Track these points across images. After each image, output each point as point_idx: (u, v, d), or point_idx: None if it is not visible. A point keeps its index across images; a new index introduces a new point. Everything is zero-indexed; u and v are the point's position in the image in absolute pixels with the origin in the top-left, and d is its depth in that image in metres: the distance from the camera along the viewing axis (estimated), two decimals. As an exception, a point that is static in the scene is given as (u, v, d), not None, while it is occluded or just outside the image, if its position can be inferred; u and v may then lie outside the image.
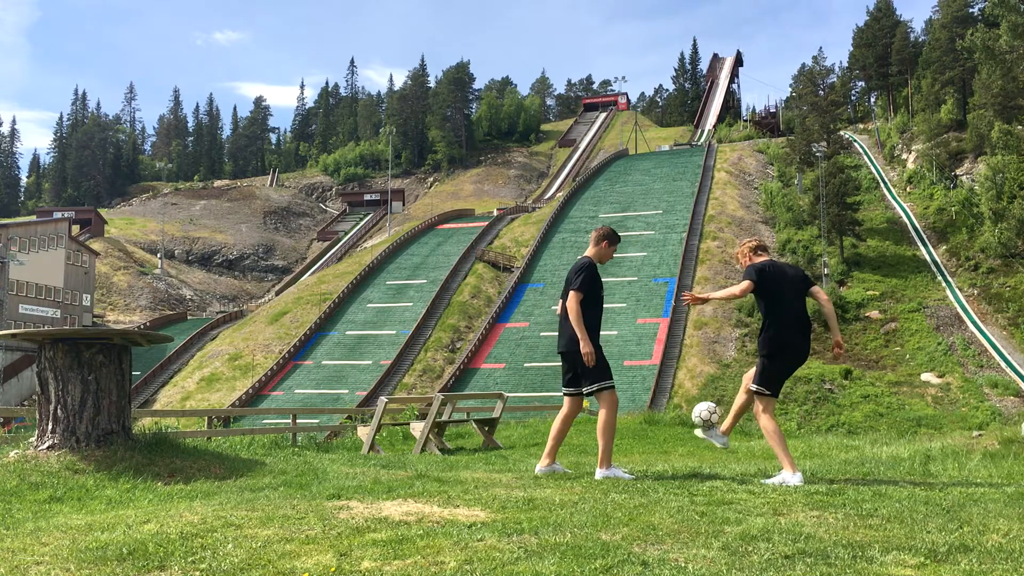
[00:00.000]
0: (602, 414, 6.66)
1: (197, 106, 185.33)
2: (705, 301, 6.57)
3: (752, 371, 6.61)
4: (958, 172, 74.27)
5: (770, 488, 5.70)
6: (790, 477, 6.15)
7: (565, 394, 6.85)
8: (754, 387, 6.47)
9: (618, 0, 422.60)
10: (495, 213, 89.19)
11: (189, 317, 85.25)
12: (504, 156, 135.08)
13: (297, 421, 16.86)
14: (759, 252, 6.78)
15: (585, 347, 6.48)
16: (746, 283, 6.45)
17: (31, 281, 73.72)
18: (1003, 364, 48.58)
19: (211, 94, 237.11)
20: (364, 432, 12.77)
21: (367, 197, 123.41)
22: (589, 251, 6.88)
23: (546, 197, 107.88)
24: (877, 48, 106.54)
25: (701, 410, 6.95)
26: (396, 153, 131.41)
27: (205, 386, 58.00)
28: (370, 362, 56.72)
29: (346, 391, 52.43)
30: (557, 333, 6.95)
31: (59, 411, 6.44)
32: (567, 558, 3.55)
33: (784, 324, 6.44)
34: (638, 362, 51.11)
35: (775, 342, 6.41)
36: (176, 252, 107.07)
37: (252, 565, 3.52)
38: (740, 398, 6.69)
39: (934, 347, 51.51)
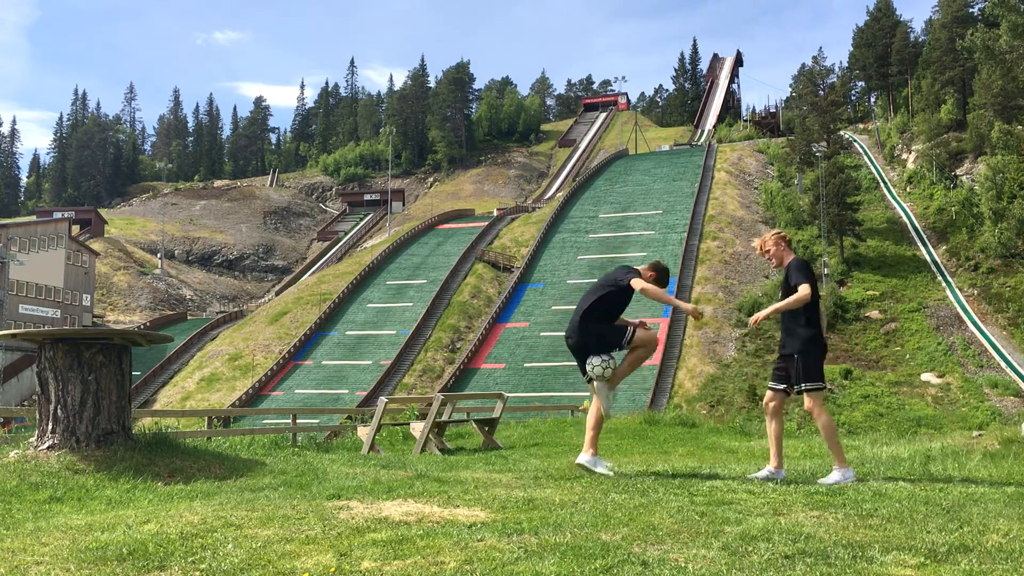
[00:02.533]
0: (596, 405, 6.58)
1: (197, 106, 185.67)
2: (768, 317, 6.53)
3: (778, 390, 6.52)
4: (958, 172, 74.25)
5: (770, 488, 5.70)
6: (846, 473, 6.28)
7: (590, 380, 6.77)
8: (808, 385, 6.38)
9: (618, 0, 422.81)
10: (495, 213, 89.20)
11: (189, 317, 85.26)
12: (504, 156, 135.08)
13: (297, 421, 16.85)
14: (790, 247, 6.75)
15: (688, 306, 6.64)
16: (807, 287, 6.33)
17: (31, 281, 73.73)
18: (1003, 364, 48.57)
19: (211, 94, 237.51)
20: (364, 432, 12.77)
21: (367, 197, 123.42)
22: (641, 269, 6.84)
23: (546, 197, 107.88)
24: (877, 48, 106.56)
25: (595, 363, 6.52)
26: (396, 153, 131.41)
27: (205, 386, 58.01)
28: (370, 362, 56.73)
29: (346, 391, 52.44)
30: (565, 332, 6.89)
31: (59, 411, 6.44)
32: (567, 558, 3.55)
33: (819, 323, 6.49)
34: (638, 362, 51.07)
35: (818, 340, 6.43)
36: (176, 252, 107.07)
37: (252, 565, 3.53)
38: (774, 426, 6.60)
39: (934, 347, 51.50)
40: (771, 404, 6.57)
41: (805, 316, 6.40)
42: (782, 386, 6.50)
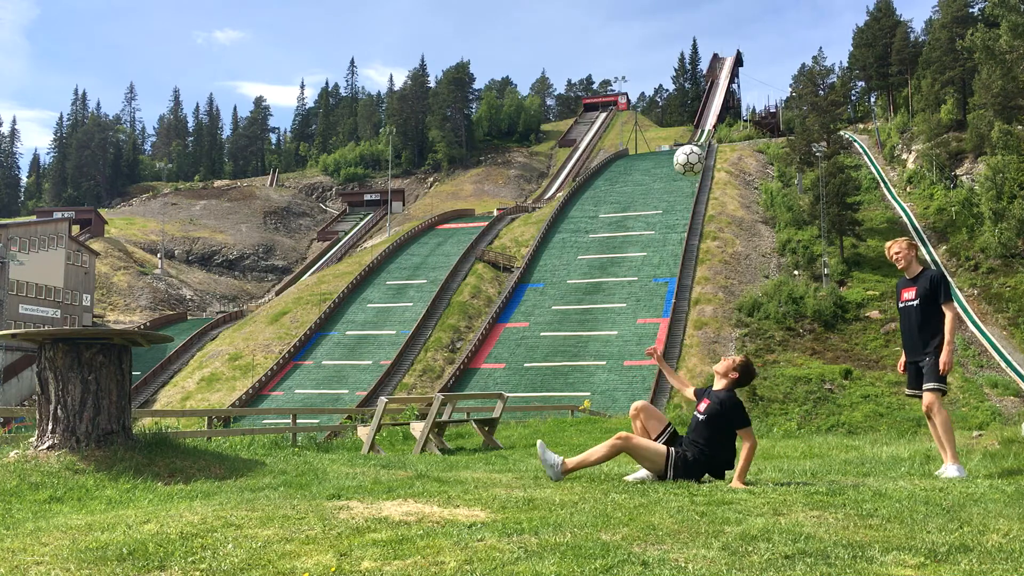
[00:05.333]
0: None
1: (197, 106, 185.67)
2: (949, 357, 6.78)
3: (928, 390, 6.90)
4: (958, 172, 74.23)
5: (770, 488, 5.70)
6: (956, 469, 6.63)
7: None
8: (937, 385, 6.83)
9: (618, 0, 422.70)
10: (495, 213, 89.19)
11: (189, 317, 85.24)
12: (504, 156, 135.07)
13: (297, 421, 16.85)
14: (919, 255, 7.14)
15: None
16: (955, 306, 6.87)
17: (31, 281, 73.71)
18: (1003, 364, 48.56)
19: (211, 94, 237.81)
20: (364, 432, 12.77)
21: (367, 197, 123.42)
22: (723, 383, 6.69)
23: (546, 197, 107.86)
24: (877, 48, 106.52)
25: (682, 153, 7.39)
26: (396, 153, 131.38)
27: (205, 386, 58.00)
28: (370, 362, 56.71)
29: (346, 391, 52.43)
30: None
31: (59, 411, 6.44)
32: (567, 558, 3.54)
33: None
34: (638, 362, 51.10)
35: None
36: (176, 252, 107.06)
37: (252, 565, 3.53)
38: (936, 428, 6.95)
39: (934, 347, 51.46)
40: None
41: (941, 324, 6.84)
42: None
